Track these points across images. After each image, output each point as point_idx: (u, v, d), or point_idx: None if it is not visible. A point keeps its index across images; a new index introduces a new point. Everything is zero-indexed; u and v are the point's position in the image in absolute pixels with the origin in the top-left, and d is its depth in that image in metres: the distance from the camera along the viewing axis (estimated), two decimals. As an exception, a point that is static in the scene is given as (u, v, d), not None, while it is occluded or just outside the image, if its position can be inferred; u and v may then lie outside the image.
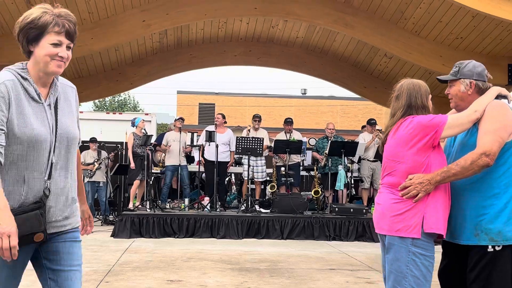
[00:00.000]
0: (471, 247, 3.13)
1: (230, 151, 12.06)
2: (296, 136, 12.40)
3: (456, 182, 3.17)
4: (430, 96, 3.40)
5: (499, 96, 3.30)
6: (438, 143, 3.23)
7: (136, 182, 12.00)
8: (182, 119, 12.72)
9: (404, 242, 3.11)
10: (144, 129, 12.52)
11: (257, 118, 12.31)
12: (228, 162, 12.27)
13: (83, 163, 12.96)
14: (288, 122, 12.48)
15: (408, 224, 3.11)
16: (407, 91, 3.35)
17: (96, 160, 12.87)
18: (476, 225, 3.11)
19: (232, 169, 13.19)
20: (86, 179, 12.89)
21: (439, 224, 3.10)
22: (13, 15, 10.73)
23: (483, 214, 3.10)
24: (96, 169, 12.84)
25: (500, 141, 3.08)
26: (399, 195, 3.17)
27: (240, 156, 12.45)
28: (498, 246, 3.05)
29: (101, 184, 12.92)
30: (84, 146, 14.05)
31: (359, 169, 12.78)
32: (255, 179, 11.96)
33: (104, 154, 13.12)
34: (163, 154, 12.60)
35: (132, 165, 11.96)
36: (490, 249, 3.07)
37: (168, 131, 12.92)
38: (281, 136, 12.34)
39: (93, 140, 13.27)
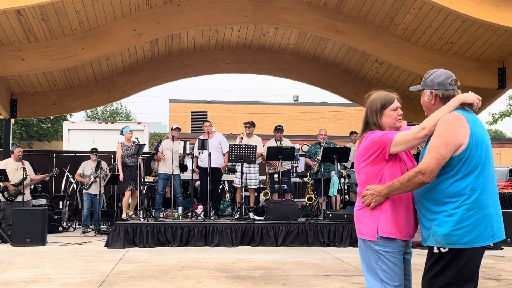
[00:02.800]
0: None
1: (224, 154, 12.04)
2: (287, 143, 12.40)
3: (408, 193, 3.42)
4: (390, 108, 3.56)
5: (463, 105, 3.34)
6: (397, 155, 3.47)
7: (127, 194, 11.95)
8: (178, 128, 12.68)
9: (367, 243, 3.48)
10: (137, 138, 12.47)
11: (247, 124, 12.28)
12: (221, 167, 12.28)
13: (81, 174, 12.91)
14: (279, 129, 12.49)
15: (368, 228, 3.47)
16: (366, 108, 3.68)
17: (92, 173, 12.79)
18: (429, 228, 3.32)
19: (226, 176, 13.18)
20: (83, 190, 12.87)
21: (392, 229, 3.40)
22: (4, 27, 10.72)
23: (435, 219, 3.28)
24: (92, 182, 12.76)
25: (439, 158, 3.20)
26: (361, 203, 3.51)
27: (233, 164, 12.43)
28: (444, 248, 3.22)
29: (97, 196, 12.85)
30: (84, 156, 14.04)
31: (349, 175, 12.80)
32: (249, 187, 11.95)
33: (103, 165, 13.00)
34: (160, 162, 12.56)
35: (121, 176, 11.88)
36: (435, 250, 3.26)
37: (166, 139, 12.85)
38: (272, 143, 12.33)
39: (94, 151, 13.13)
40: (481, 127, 3.36)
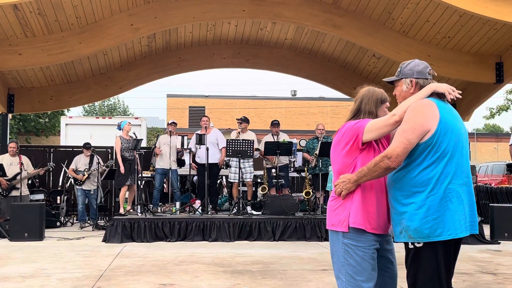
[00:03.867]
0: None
1: (221, 149, 12.03)
2: (284, 137, 12.40)
3: (385, 182, 3.40)
4: (386, 105, 3.59)
5: (434, 94, 3.34)
6: (372, 145, 3.44)
7: (124, 188, 11.94)
8: (174, 123, 12.67)
9: (337, 235, 3.44)
10: (134, 133, 12.45)
11: (239, 121, 12.26)
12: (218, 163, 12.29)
13: (74, 170, 12.85)
14: (275, 124, 12.48)
15: (339, 219, 3.42)
16: (361, 96, 3.61)
17: (86, 170, 12.71)
18: (399, 223, 3.28)
19: (223, 171, 13.17)
20: (77, 186, 12.82)
21: (362, 220, 3.35)
22: (1, 22, 10.69)
23: (404, 212, 3.24)
24: (86, 179, 12.69)
25: (405, 143, 3.18)
26: (334, 194, 3.50)
27: (228, 158, 12.43)
28: (418, 243, 3.19)
29: (91, 192, 12.79)
30: (78, 151, 14.01)
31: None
32: (244, 180, 11.94)
33: (95, 162, 12.90)
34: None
35: (122, 169, 11.88)
36: (410, 246, 3.23)
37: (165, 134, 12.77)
38: (269, 138, 12.33)
39: (87, 146, 12.97)
40: (454, 116, 3.33)
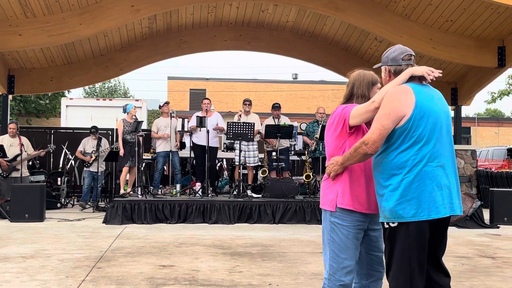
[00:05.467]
0: None
1: (219, 134, 12.03)
2: (285, 121, 12.38)
3: (370, 165, 3.48)
4: (377, 86, 3.67)
5: (416, 78, 3.36)
6: (360, 128, 3.56)
7: (125, 169, 11.96)
8: (167, 102, 12.68)
9: (326, 213, 3.61)
10: (135, 116, 12.45)
11: (247, 102, 12.25)
12: (218, 147, 12.29)
13: (81, 151, 12.87)
14: (276, 107, 12.45)
15: (328, 199, 3.59)
16: (352, 81, 3.72)
17: (93, 152, 12.73)
18: (380, 203, 3.38)
19: (224, 154, 13.18)
20: (85, 168, 12.86)
21: (349, 201, 3.49)
22: (1, 2, 10.63)
23: (383, 194, 3.33)
24: (93, 161, 12.71)
25: (381, 129, 3.27)
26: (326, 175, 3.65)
27: (232, 141, 12.42)
28: (393, 223, 3.28)
29: (99, 173, 12.83)
30: (83, 133, 14.02)
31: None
32: (247, 164, 11.95)
33: (104, 143, 12.94)
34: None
35: (122, 151, 11.90)
36: (386, 225, 3.34)
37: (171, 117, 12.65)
38: (270, 121, 12.31)
39: (94, 130, 13.01)
40: (432, 99, 3.35)
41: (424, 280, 3.28)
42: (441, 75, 3.38)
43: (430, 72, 3.33)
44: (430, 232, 3.30)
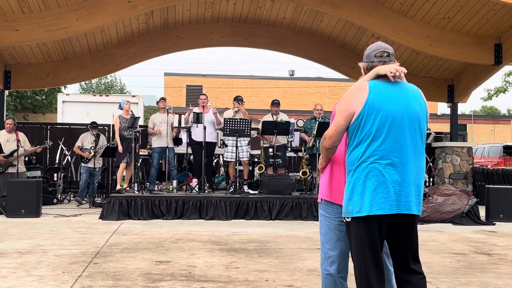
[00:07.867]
0: None
1: (217, 129, 12.02)
2: (283, 117, 12.38)
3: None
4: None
5: (379, 76, 3.35)
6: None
7: (122, 165, 11.95)
8: (163, 98, 12.66)
9: (318, 206, 3.76)
10: (132, 111, 12.43)
11: (240, 101, 12.12)
12: (216, 142, 12.27)
13: (80, 147, 12.85)
14: (275, 103, 12.45)
15: (319, 192, 3.75)
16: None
17: (92, 148, 12.70)
18: None
19: (221, 150, 13.16)
20: (82, 164, 12.85)
21: (328, 193, 3.62)
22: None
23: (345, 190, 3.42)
24: (92, 157, 12.69)
25: (335, 125, 3.37)
26: None
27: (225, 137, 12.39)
28: (347, 218, 3.35)
29: (96, 169, 12.81)
30: (79, 129, 13.99)
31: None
32: (241, 159, 11.93)
33: (102, 140, 12.92)
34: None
35: (120, 148, 11.89)
36: (344, 220, 3.42)
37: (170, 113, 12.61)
38: (268, 117, 12.31)
39: (93, 126, 12.98)
40: (391, 97, 3.29)
41: (382, 278, 3.26)
42: (405, 71, 3.35)
43: (394, 71, 3.28)
44: (387, 230, 3.30)
